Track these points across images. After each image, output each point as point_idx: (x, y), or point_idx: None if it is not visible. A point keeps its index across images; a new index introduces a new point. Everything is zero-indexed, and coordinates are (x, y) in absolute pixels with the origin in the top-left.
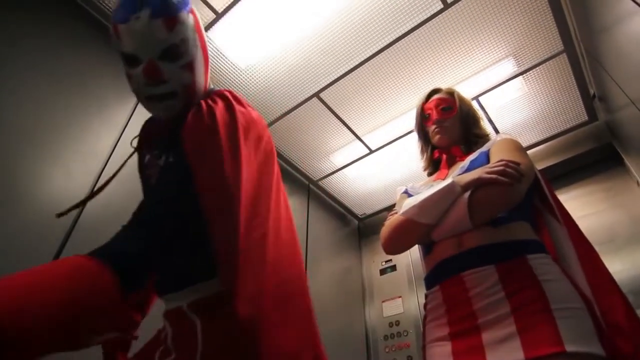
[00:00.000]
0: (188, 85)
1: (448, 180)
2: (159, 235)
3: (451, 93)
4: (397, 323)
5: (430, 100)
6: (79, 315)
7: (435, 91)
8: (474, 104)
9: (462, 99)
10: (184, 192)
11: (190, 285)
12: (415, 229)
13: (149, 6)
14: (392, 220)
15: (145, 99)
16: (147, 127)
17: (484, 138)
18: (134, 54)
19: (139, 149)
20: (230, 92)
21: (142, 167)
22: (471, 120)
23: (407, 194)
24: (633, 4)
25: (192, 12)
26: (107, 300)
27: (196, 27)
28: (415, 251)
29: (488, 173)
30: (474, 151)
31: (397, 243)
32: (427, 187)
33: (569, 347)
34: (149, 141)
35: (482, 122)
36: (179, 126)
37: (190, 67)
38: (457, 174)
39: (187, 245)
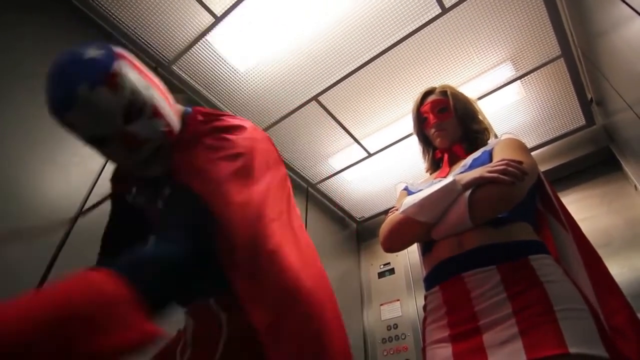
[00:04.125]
0: (166, 131)
1: (449, 179)
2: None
3: (444, 92)
4: (395, 326)
5: (425, 102)
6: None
7: (429, 92)
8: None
9: (456, 97)
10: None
11: (216, 294)
12: (415, 227)
13: (83, 81)
14: (391, 218)
15: (136, 167)
16: (123, 177)
17: (483, 133)
18: (98, 135)
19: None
20: (213, 119)
21: (129, 210)
22: (469, 116)
23: (407, 190)
24: (630, 9)
25: (120, 55)
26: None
27: (134, 68)
28: (413, 254)
29: (489, 172)
30: (476, 149)
31: (395, 241)
32: (428, 185)
33: (573, 349)
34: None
35: (479, 116)
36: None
37: (156, 112)
38: (458, 172)
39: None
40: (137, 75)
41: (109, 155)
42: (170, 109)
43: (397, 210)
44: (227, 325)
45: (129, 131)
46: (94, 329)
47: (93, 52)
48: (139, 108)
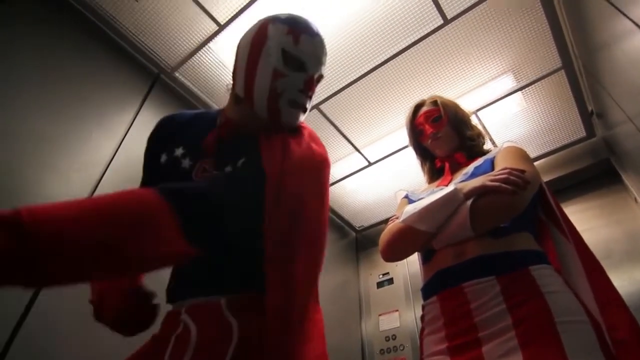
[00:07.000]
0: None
1: (450, 187)
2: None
3: (435, 102)
4: (394, 337)
5: (418, 114)
6: (124, 226)
7: (420, 105)
8: (473, 118)
9: (445, 105)
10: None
11: (232, 293)
12: (415, 237)
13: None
14: (391, 227)
15: (288, 102)
16: (189, 129)
17: (478, 138)
18: (305, 62)
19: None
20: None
21: (172, 170)
22: (461, 122)
23: (408, 198)
24: (631, 23)
25: None
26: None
27: None
28: (412, 264)
29: (491, 181)
30: (477, 157)
31: (396, 250)
32: (429, 193)
33: None
34: (200, 146)
35: (471, 121)
36: (251, 138)
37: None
38: (460, 181)
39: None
40: None
41: (283, 75)
42: None
43: (397, 218)
44: (239, 329)
45: (318, 81)
46: (138, 234)
47: None
48: (319, 82)
